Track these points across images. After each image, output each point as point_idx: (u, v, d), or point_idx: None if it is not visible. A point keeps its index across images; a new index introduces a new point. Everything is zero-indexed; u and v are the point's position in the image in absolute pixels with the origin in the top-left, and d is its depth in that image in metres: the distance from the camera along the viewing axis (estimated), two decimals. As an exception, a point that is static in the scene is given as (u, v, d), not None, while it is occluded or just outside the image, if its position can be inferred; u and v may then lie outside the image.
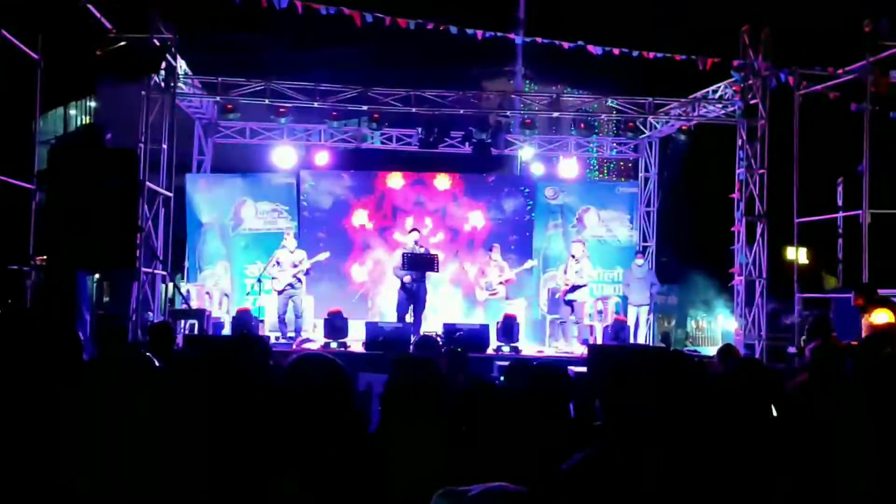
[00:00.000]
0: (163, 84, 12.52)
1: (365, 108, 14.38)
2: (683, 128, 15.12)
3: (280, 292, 13.00)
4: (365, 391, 5.60)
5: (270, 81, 14.02)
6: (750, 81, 13.69)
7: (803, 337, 11.21)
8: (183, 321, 12.41)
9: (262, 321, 13.19)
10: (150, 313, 12.04)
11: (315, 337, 13.20)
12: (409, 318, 12.72)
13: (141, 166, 11.65)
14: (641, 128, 16.02)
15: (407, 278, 12.76)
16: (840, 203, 12.92)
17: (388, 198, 15.68)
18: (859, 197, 12.20)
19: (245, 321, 12.41)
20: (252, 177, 15.71)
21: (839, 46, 13.26)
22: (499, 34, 13.46)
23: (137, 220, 10.93)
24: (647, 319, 14.67)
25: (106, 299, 15.99)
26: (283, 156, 15.51)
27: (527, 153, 16.77)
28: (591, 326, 13.93)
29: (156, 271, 12.47)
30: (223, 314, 13.73)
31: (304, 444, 2.65)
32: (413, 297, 12.78)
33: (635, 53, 13.42)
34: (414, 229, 13.53)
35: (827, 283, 14.77)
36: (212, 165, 16.13)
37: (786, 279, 13.58)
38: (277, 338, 12.67)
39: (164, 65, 12.10)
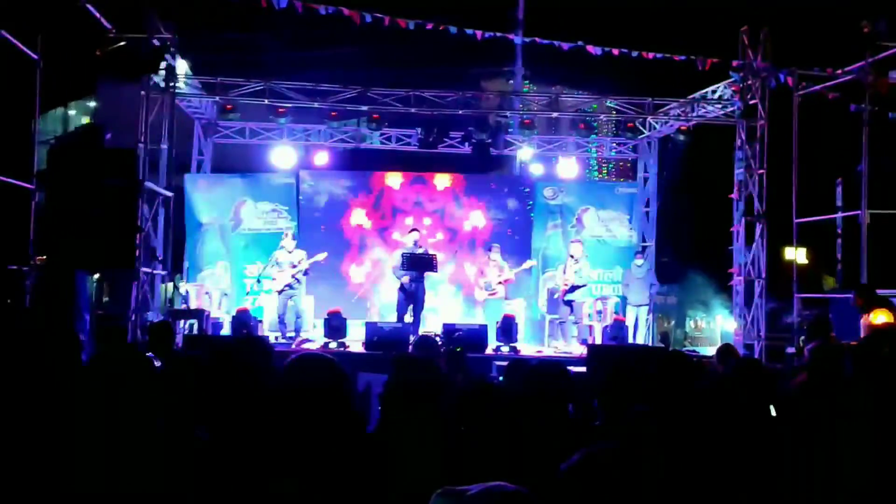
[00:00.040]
0: (162, 84, 12.52)
1: (364, 108, 14.37)
2: (683, 128, 15.12)
3: (279, 292, 13.00)
4: (364, 391, 5.61)
5: (270, 81, 14.02)
6: (749, 82, 13.69)
7: (802, 337, 11.23)
8: (182, 321, 12.41)
9: (260, 321, 13.20)
10: (150, 313, 12.04)
11: (314, 337, 13.20)
12: (408, 318, 12.72)
13: (140, 166, 11.65)
14: (641, 128, 16.02)
15: (405, 279, 12.76)
16: (839, 203, 12.92)
17: (387, 198, 15.68)
18: (858, 197, 12.21)
19: (244, 321, 12.41)
20: (251, 177, 15.71)
21: (838, 47, 13.27)
22: (498, 34, 13.46)
23: (137, 220, 10.94)
24: (647, 320, 14.67)
25: (105, 299, 15.98)
26: (283, 156, 15.51)
27: (526, 153, 16.77)
28: (591, 326, 13.93)
29: (155, 271, 12.47)
30: (222, 314, 13.73)
31: (304, 443, 2.65)
32: (412, 297, 12.78)
33: (634, 54, 13.41)
34: (414, 229, 13.53)
35: (826, 284, 14.78)
36: (211, 165, 16.13)
37: (785, 279, 13.58)
38: (277, 338, 12.67)
39: (163, 65, 12.09)
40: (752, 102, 13.81)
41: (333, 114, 14.43)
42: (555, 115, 15.46)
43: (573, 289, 13.45)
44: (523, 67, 20.29)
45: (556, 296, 13.80)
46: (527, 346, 13.24)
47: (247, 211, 15.25)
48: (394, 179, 15.76)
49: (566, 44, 13.39)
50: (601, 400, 4.19)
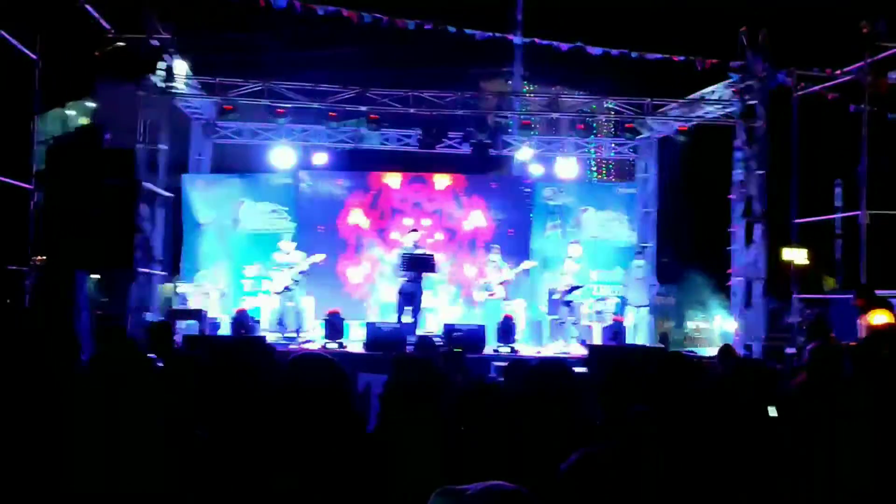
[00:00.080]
0: (161, 84, 12.51)
1: (363, 108, 14.37)
2: (682, 129, 15.11)
3: (278, 293, 12.99)
4: (364, 391, 5.60)
5: (269, 82, 14.01)
6: (748, 82, 13.69)
7: (801, 338, 11.24)
8: (181, 321, 12.40)
9: (258, 321, 13.19)
10: (148, 313, 12.04)
11: (314, 337, 13.19)
12: (407, 319, 12.72)
13: (139, 167, 11.64)
14: (640, 129, 16.02)
15: (399, 280, 12.79)
16: (838, 204, 12.93)
17: (386, 198, 15.67)
18: (857, 198, 12.21)
19: (243, 321, 12.41)
20: (250, 177, 15.70)
21: (837, 47, 13.27)
22: (497, 35, 13.48)
23: (135, 221, 10.93)
24: (646, 320, 14.66)
25: (104, 299, 15.96)
26: (282, 156, 15.50)
27: (525, 154, 16.76)
28: (590, 327, 13.93)
29: (154, 271, 12.47)
30: (221, 314, 13.72)
31: (304, 443, 2.64)
32: (411, 297, 12.78)
33: (634, 54, 13.43)
34: (414, 230, 13.54)
35: (825, 284, 14.78)
36: (210, 166, 16.12)
37: (784, 280, 13.59)
38: (276, 338, 12.67)
39: (162, 65, 12.09)
40: (751, 103, 13.82)
41: (332, 114, 14.44)
42: (554, 115, 15.46)
43: (572, 289, 13.45)
44: (522, 68, 20.27)
45: (555, 296, 13.79)
46: (526, 347, 13.24)
47: (246, 211, 15.24)
48: (393, 180, 15.76)
49: (565, 44, 13.41)
50: (601, 400, 4.18)
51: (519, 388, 3.85)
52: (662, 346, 13.98)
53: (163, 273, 12.74)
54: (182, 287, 13.90)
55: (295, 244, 13.30)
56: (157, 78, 12.35)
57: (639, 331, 14.26)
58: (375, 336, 11.79)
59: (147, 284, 12.20)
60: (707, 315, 16.24)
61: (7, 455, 2.42)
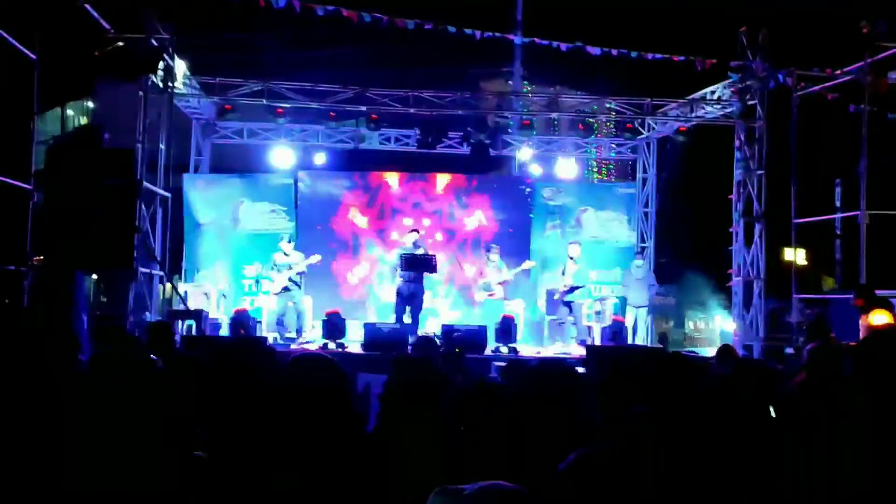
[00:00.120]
0: (161, 84, 12.51)
1: (363, 108, 14.37)
2: (682, 129, 15.12)
3: (277, 294, 12.99)
4: (364, 391, 5.60)
5: (268, 82, 14.01)
6: (748, 82, 13.70)
7: (801, 338, 11.24)
8: (180, 322, 12.39)
9: (259, 322, 13.19)
10: (148, 314, 12.03)
11: (314, 338, 13.19)
12: (406, 319, 12.71)
13: (138, 166, 11.63)
14: (640, 129, 16.03)
15: (398, 280, 12.79)
16: (838, 204, 12.94)
17: (385, 198, 15.66)
18: (857, 198, 12.22)
19: (243, 322, 12.40)
20: (250, 177, 15.70)
21: (837, 47, 13.28)
22: (497, 35, 13.46)
23: (135, 221, 10.93)
24: (646, 320, 14.67)
25: (103, 300, 15.97)
26: (281, 156, 15.50)
27: (525, 154, 16.76)
28: (590, 327, 13.93)
29: (153, 271, 12.45)
30: (221, 315, 13.72)
31: (304, 442, 2.64)
32: (410, 297, 12.77)
33: (633, 54, 13.42)
34: (414, 230, 13.53)
35: (825, 284, 14.79)
36: (210, 166, 16.12)
37: (784, 280, 13.59)
38: (276, 338, 12.67)
39: (161, 65, 12.08)
40: (750, 103, 13.82)
41: (332, 114, 14.45)
42: (554, 115, 15.46)
43: (572, 290, 13.45)
44: (522, 68, 20.28)
45: (555, 297, 13.80)
46: (526, 347, 13.23)
47: (245, 211, 15.24)
48: (392, 180, 15.76)
49: (565, 44, 13.39)
50: (600, 400, 4.18)
51: (519, 388, 3.84)
52: (662, 346, 13.98)
53: (162, 273, 12.71)
54: (182, 287, 13.89)
55: (293, 245, 13.29)
56: (157, 78, 12.33)
57: (638, 331, 14.27)
58: (374, 337, 11.78)
59: (147, 284, 12.18)
60: (707, 315, 16.25)
61: (7, 455, 2.42)
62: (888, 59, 12.20)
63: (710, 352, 11.78)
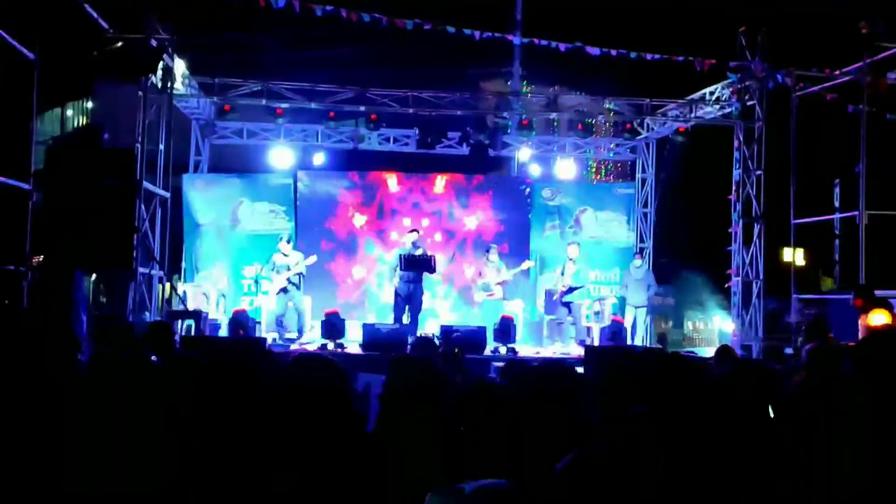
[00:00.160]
0: (160, 85, 12.51)
1: (362, 108, 14.36)
2: (681, 129, 15.12)
3: (277, 294, 12.99)
4: (364, 391, 5.60)
5: (268, 82, 14.01)
6: (747, 83, 13.71)
7: (800, 338, 11.24)
8: (180, 322, 12.39)
9: (258, 322, 13.18)
10: (147, 314, 12.03)
11: (313, 338, 13.19)
12: (406, 320, 12.71)
13: (138, 167, 11.64)
14: (639, 129, 16.03)
15: (397, 281, 12.79)
16: (837, 204, 12.94)
17: (385, 199, 15.66)
18: (856, 198, 12.23)
19: (242, 322, 12.39)
20: (249, 177, 15.69)
21: (836, 48, 13.29)
22: (496, 35, 13.45)
23: (134, 221, 10.93)
24: (645, 320, 14.68)
25: (102, 300, 15.96)
26: (281, 156, 15.50)
27: (524, 154, 16.77)
28: (589, 327, 13.94)
29: (152, 272, 12.46)
30: (220, 315, 13.71)
31: (303, 442, 2.64)
32: (409, 297, 12.77)
33: (633, 55, 13.42)
34: (413, 230, 13.53)
35: (824, 285, 14.78)
36: (209, 166, 16.11)
37: (783, 280, 13.60)
38: (275, 339, 12.67)
39: (161, 65, 12.08)
40: (750, 103, 13.83)
41: (331, 114, 14.44)
42: (553, 115, 15.46)
43: (571, 290, 13.46)
44: (521, 68, 20.29)
45: (554, 297, 13.80)
46: (525, 348, 13.24)
47: (244, 211, 15.23)
48: (392, 180, 15.75)
49: (564, 44, 13.38)
50: (599, 400, 4.19)
51: (518, 388, 3.85)
52: (661, 346, 14.00)
53: (161, 273, 12.71)
54: (181, 288, 13.89)
55: (292, 245, 13.29)
56: (156, 78, 12.33)
57: (637, 331, 14.27)
58: (373, 337, 11.77)
59: (146, 284, 12.19)
60: (706, 315, 16.26)
61: (7, 455, 2.42)
62: (887, 60, 12.22)
63: (708, 352, 11.78)
